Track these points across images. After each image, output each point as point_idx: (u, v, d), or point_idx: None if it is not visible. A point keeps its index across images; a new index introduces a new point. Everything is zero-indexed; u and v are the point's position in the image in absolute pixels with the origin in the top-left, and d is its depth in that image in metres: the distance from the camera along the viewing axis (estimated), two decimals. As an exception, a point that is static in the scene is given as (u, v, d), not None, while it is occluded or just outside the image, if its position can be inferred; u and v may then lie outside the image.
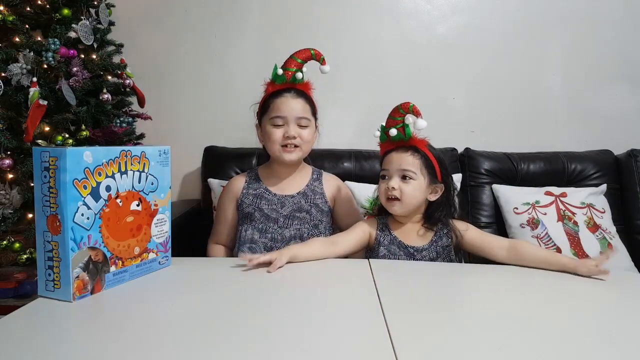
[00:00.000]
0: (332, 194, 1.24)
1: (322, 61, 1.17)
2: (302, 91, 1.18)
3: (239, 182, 1.23)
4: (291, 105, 1.14)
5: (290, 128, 1.13)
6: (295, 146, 1.15)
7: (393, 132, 1.05)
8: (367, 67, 1.83)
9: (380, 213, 1.12)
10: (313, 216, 1.18)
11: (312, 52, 1.16)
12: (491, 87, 1.84)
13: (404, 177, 1.03)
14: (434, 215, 1.06)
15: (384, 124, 1.08)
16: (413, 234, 1.06)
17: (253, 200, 1.18)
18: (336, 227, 1.25)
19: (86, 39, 1.34)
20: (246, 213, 1.18)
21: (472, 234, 1.05)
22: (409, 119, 1.02)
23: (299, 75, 1.15)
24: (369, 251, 1.10)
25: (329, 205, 1.23)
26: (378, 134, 1.10)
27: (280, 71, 1.15)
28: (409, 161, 1.03)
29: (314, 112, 1.20)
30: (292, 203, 1.18)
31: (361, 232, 1.08)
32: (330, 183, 1.25)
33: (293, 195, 1.19)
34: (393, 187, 1.02)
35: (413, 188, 1.02)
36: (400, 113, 1.04)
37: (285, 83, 1.16)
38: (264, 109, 1.18)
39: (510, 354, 0.55)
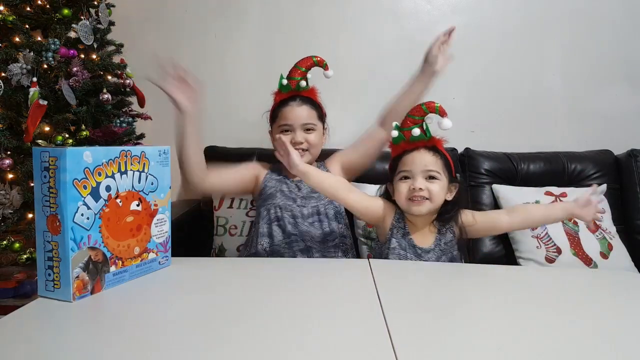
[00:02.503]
0: (338, 166, 1.29)
1: (325, 66, 1.23)
2: (308, 97, 1.24)
3: (264, 166, 1.30)
4: (296, 113, 1.21)
5: (297, 134, 1.20)
6: (304, 150, 1.21)
7: (416, 131, 1.02)
8: (367, 67, 1.83)
9: None
10: None
11: (314, 59, 1.22)
12: (491, 87, 1.83)
13: (429, 177, 1.01)
14: (447, 213, 1.05)
15: (398, 124, 1.06)
16: (422, 234, 1.06)
17: (275, 184, 1.25)
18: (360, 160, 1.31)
19: (86, 39, 1.34)
20: (269, 194, 1.23)
21: (480, 221, 1.07)
22: (432, 118, 1.01)
23: (303, 83, 1.22)
24: (378, 243, 1.12)
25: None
26: (396, 134, 1.05)
27: (285, 81, 1.21)
28: (432, 161, 1.01)
29: (320, 116, 1.26)
30: (308, 186, 1.22)
31: (378, 206, 1.08)
32: (332, 161, 1.30)
33: None
34: (420, 188, 1.00)
35: (440, 188, 1.01)
36: (423, 112, 1.01)
37: (291, 91, 1.22)
38: (274, 117, 1.26)
39: (510, 354, 0.55)
